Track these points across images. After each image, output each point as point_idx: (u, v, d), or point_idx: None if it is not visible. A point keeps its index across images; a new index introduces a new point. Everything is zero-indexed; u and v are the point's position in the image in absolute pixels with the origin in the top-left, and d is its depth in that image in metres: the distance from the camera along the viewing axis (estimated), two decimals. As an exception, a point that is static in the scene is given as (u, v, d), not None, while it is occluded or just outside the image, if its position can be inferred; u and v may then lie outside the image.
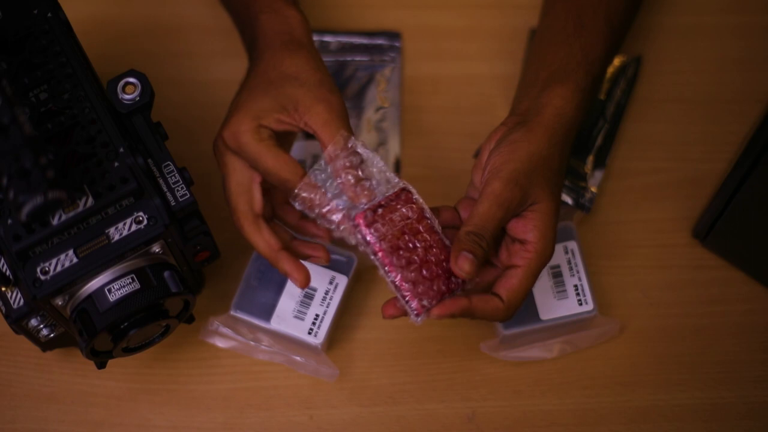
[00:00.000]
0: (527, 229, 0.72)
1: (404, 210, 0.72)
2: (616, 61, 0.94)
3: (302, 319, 0.82)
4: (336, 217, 0.71)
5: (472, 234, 0.71)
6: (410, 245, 0.71)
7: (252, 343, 0.83)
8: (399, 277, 0.70)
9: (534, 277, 0.73)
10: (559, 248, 0.84)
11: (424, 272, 0.71)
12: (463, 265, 0.70)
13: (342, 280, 0.83)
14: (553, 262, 0.83)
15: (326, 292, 0.83)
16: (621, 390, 0.84)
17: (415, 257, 0.71)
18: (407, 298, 0.70)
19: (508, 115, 0.78)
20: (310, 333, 0.82)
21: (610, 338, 0.84)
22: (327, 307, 0.82)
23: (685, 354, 0.85)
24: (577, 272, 0.84)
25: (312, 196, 0.72)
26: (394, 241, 0.71)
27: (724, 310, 0.86)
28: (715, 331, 0.86)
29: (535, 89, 0.77)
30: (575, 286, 0.83)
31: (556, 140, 0.75)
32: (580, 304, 0.83)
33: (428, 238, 0.72)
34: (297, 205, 0.72)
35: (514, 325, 0.82)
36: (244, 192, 0.74)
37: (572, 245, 0.85)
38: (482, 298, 0.72)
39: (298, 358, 0.83)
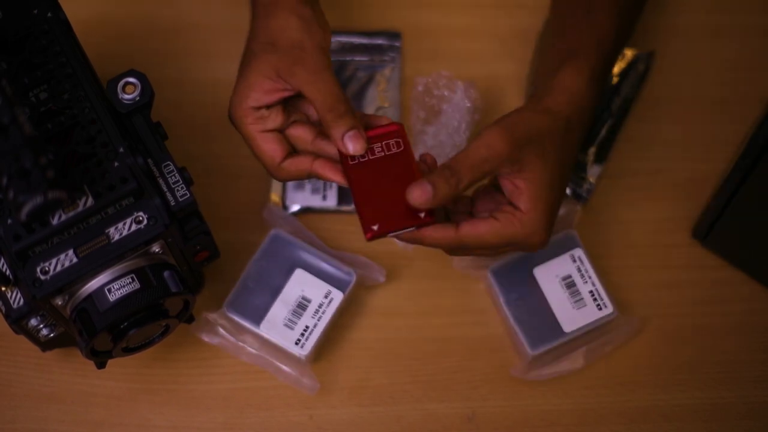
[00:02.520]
0: (518, 195, 0.72)
1: (386, 148, 0.74)
2: (629, 54, 0.92)
3: (292, 329, 0.81)
4: None
5: (446, 168, 0.70)
6: (381, 180, 0.73)
7: (239, 343, 0.82)
8: (360, 200, 0.72)
9: (507, 240, 0.72)
10: (566, 258, 0.84)
11: (387, 202, 0.72)
12: (414, 193, 0.69)
13: (337, 296, 0.82)
14: (563, 272, 0.83)
15: (320, 305, 0.82)
16: (621, 390, 0.84)
17: (381, 190, 0.72)
18: (361, 215, 0.71)
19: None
20: (297, 343, 0.81)
21: (635, 336, 0.84)
22: (318, 320, 0.82)
23: (685, 354, 0.85)
24: (589, 278, 0.83)
25: None
26: (368, 176, 0.73)
27: (724, 310, 0.86)
28: (715, 331, 0.86)
29: (548, 78, 0.77)
30: (590, 292, 0.83)
31: (563, 115, 0.74)
32: (600, 309, 0.82)
33: (403, 175, 0.73)
34: None
35: (540, 344, 0.82)
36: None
37: (578, 252, 0.84)
38: (470, 222, 0.72)
39: (281, 366, 0.82)
